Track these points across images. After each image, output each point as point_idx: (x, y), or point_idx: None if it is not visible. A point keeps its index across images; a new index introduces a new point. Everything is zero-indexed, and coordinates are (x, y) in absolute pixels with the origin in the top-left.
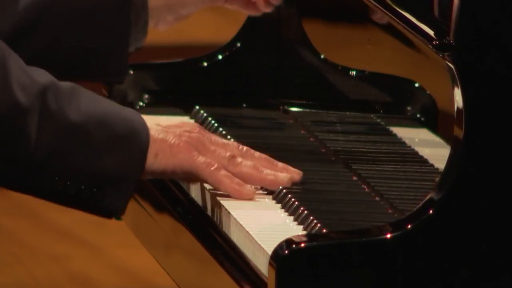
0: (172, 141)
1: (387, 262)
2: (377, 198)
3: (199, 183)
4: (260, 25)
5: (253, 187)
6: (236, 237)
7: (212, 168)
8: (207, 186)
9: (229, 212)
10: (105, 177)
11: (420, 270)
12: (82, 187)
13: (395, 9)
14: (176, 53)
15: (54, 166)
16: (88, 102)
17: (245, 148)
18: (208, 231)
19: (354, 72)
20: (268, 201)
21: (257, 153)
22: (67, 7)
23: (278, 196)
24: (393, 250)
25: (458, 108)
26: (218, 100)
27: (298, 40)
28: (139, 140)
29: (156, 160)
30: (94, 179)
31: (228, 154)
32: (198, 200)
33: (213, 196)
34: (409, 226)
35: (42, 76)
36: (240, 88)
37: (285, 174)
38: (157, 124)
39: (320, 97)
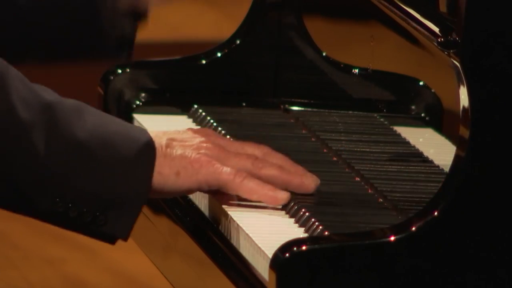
0: (192, 156)
1: (390, 266)
2: (381, 200)
3: None
4: (260, 22)
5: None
6: (235, 240)
7: (240, 179)
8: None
9: (228, 214)
10: (108, 200)
11: (425, 274)
12: (84, 210)
13: (399, 5)
14: (174, 51)
15: (57, 187)
16: (95, 121)
17: (265, 148)
18: (207, 233)
19: (357, 70)
20: None
21: (277, 154)
22: None
23: None
24: (397, 253)
25: (463, 107)
26: (217, 99)
27: (299, 37)
28: (144, 162)
29: (179, 178)
30: (96, 202)
31: (249, 158)
32: (197, 201)
33: (212, 197)
34: (413, 228)
35: (47, 92)
36: (239, 87)
37: (310, 178)
38: (172, 138)
39: (322, 96)
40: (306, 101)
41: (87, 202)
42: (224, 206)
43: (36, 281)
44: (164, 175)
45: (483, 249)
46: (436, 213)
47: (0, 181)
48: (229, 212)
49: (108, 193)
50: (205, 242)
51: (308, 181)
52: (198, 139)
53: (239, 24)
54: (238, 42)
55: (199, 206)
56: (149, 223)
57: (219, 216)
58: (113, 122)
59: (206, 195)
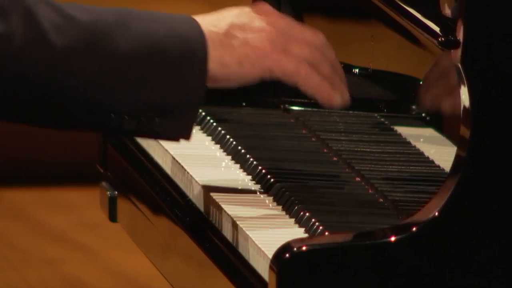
0: (255, 43)
1: (391, 266)
2: (381, 200)
3: (199, 186)
4: None
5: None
6: (235, 240)
7: (304, 71)
8: (204, 187)
9: (228, 214)
10: (163, 106)
11: (425, 274)
12: (141, 119)
13: (399, 4)
14: None
15: (108, 103)
16: (139, 28)
17: (321, 37)
18: (207, 233)
19: (357, 70)
20: (269, 202)
21: (330, 48)
22: None
23: (279, 198)
24: (398, 254)
25: (464, 107)
26: (216, 98)
27: None
28: (196, 61)
29: (242, 67)
30: (151, 110)
31: (309, 48)
32: (196, 201)
33: (212, 198)
34: (414, 229)
35: (85, 12)
36: (239, 86)
37: (340, 95)
38: (231, 25)
39: None
40: (306, 101)
41: (142, 112)
42: (224, 206)
43: (35, 281)
44: (226, 64)
45: (483, 249)
46: (436, 214)
47: (51, 107)
48: (229, 213)
49: (162, 99)
50: (205, 242)
51: (336, 98)
52: (258, 22)
53: None
54: None
55: (199, 206)
56: (148, 223)
57: (219, 216)
58: (159, 24)
59: (205, 195)
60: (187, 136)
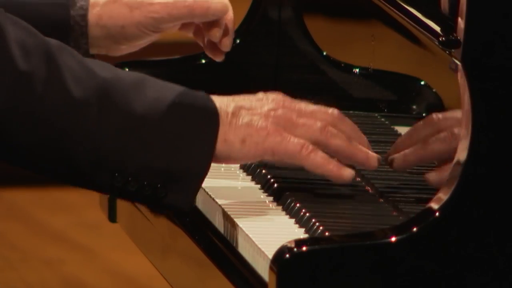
0: (259, 124)
1: (391, 266)
2: (381, 200)
3: None
4: (260, 21)
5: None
6: (235, 240)
7: (307, 152)
8: (204, 187)
9: (228, 215)
10: (168, 173)
11: (426, 274)
12: (144, 183)
13: (400, 4)
14: (173, 50)
15: (115, 162)
16: (155, 93)
17: (335, 112)
18: (206, 233)
19: (357, 70)
20: (269, 202)
21: (347, 120)
22: None
23: (280, 198)
24: (398, 254)
25: (464, 106)
26: None
27: (299, 36)
28: (206, 133)
29: (244, 146)
30: (156, 175)
31: (318, 124)
32: (196, 201)
33: (212, 198)
34: (414, 229)
35: (104, 69)
36: (239, 86)
37: (375, 154)
38: (240, 106)
39: (322, 96)
40: (306, 101)
41: (147, 176)
42: (223, 207)
43: (35, 282)
44: (229, 142)
45: (484, 249)
46: (437, 214)
47: (58, 157)
48: (229, 213)
49: (168, 166)
50: (205, 242)
51: (373, 158)
52: (267, 106)
53: (239, 23)
54: (238, 41)
55: (198, 206)
56: (148, 223)
57: (218, 216)
58: (176, 93)
59: (204, 195)
60: (187, 206)
